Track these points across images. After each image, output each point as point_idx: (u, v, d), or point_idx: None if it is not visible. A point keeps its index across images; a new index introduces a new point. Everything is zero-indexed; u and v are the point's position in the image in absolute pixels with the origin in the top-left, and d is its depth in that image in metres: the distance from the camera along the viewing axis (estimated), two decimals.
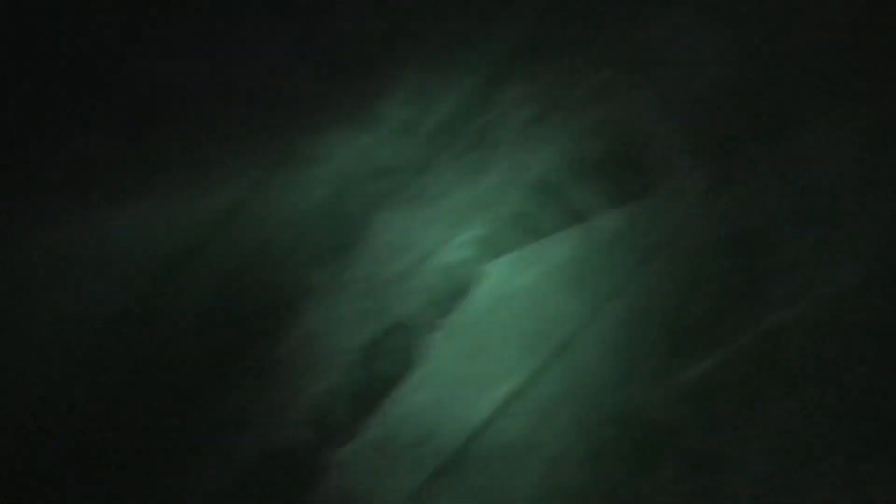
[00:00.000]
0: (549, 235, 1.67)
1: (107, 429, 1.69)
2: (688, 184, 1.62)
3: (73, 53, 1.88)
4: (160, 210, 1.84)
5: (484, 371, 1.62)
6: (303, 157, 1.88)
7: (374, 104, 1.88)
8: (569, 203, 1.69)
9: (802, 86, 1.61)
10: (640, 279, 1.54)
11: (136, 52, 1.92)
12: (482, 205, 1.77)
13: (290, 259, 1.85)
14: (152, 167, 1.85)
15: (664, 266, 1.53)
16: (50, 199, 1.83)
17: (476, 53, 1.87)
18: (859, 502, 1.28)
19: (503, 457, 1.51)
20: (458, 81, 1.86)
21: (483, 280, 1.70)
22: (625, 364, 1.47)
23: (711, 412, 1.36)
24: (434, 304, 1.71)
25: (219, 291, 1.84)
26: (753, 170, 1.54)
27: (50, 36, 1.90)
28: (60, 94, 1.88)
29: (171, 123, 1.89)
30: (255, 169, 1.89)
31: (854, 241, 1.40)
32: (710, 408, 1.37)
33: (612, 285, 1.57)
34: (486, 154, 1.81)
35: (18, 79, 1.86)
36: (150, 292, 1.82)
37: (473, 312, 1.67)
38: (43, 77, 1.88)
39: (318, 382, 1.70)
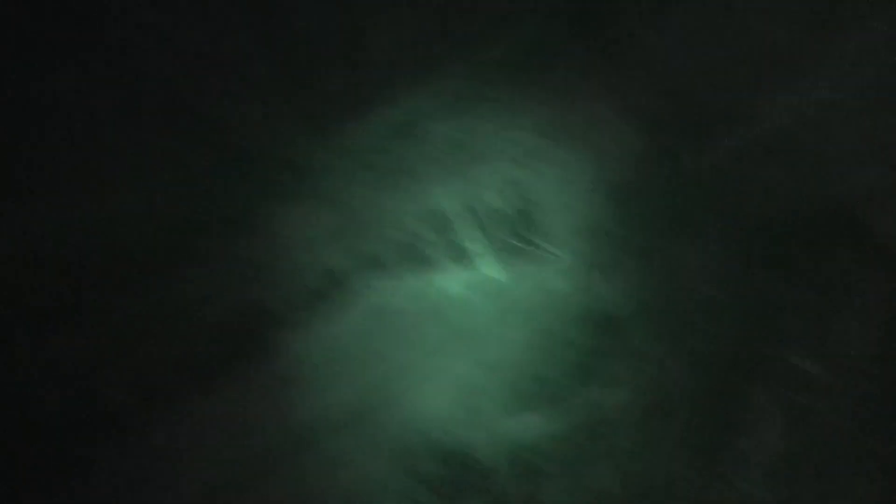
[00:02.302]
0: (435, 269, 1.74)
1: None
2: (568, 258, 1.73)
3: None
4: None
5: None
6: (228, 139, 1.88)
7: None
8: (459, 242, 1.76)
9: None
10: (503, 332, 1.62)
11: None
12: (380, 222, 1.82)
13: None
14: None
15: (524, 326, 1.62)
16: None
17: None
18: None
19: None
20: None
21: (360, 296, 1.74)
22: (460, 405, 1.53)
23: (528, 463, 1.43)
24: (304, 302, 1.73)
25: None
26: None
27: None
28: None
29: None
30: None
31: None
32: (527, 459, 1.44)
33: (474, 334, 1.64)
34: (398, 178, 1.86)
35: None
36: None
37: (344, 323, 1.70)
38: None
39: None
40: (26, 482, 1.51)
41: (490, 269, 1.73)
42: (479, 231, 1.78)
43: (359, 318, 1.73)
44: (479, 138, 1.88)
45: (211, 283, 1.78)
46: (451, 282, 1.72)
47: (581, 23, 1.94)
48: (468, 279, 1.72)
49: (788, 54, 1.87)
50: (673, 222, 1.75)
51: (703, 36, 1.90)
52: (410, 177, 1.84)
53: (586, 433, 1.45)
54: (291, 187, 1.85)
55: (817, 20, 1.89)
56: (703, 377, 1.49)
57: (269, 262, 1.79)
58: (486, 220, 1.79)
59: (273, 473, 1.53)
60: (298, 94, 1.90)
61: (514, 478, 1.42)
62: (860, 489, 1.47)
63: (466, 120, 1.90)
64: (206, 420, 1.58)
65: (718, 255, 1.64)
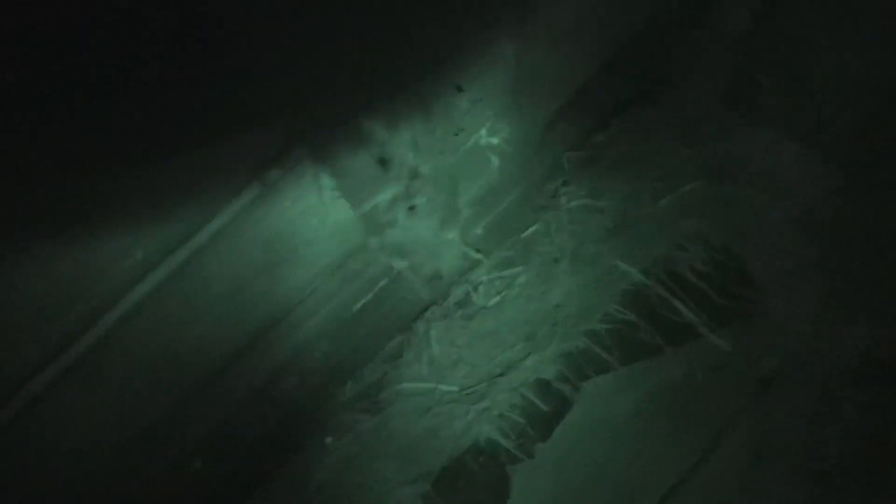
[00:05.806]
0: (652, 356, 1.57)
1: None
2: (798, 306, 1.52)
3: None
4: None
5: None
6: None
7: None
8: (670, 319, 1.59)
9: None
10: (756, 410, 1.41)
11: None
12: (564, 317, 1.67)
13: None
14: None
15: (784, 396, 1.41)
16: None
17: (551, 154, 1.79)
18: None
19: None
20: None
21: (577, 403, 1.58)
22: None
23: None
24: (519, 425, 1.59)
25: None
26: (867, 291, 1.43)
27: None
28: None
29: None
30: None
31: None
32: None
33: (723, 416, 1.44)
34: (559, 264, 1.71)
35: None
36: None
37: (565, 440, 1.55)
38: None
39: None
40: None
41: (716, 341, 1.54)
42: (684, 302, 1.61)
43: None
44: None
45: None
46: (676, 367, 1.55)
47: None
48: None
49: None
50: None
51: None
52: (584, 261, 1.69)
53: None
54: None
55: None
56: None
57: None
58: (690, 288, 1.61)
59: None
60: None
61: None
62: None
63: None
64: None
65: None
